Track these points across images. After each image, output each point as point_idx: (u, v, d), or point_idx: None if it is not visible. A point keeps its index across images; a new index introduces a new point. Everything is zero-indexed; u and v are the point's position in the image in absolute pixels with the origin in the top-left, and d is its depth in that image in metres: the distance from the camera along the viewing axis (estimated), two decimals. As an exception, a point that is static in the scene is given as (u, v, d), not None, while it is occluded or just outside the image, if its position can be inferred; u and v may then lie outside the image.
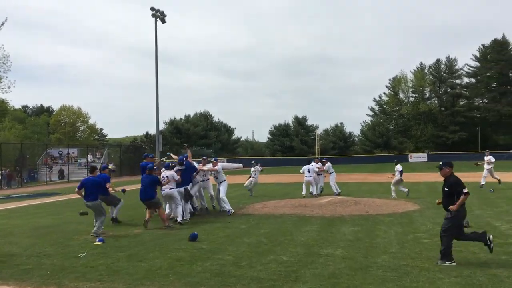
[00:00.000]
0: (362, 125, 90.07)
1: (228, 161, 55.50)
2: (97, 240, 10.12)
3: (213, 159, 15.95)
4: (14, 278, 7.22)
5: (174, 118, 75.69)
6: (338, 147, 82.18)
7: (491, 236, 7.70)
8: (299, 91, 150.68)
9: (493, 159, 21.22)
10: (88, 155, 53.67)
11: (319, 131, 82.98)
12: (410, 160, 72.93)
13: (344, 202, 15.49)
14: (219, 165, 15.14)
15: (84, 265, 7.89)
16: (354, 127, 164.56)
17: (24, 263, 8.21)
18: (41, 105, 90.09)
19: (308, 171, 19.44)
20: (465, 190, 7.50)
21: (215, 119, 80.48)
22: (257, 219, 13.06)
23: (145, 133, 73.92)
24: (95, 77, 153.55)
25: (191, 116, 78.42)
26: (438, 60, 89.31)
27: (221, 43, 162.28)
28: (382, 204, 15.64)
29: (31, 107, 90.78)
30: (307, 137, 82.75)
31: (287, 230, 11.03)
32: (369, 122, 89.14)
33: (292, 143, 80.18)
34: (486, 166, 20.81)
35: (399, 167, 19.40)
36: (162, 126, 72.06)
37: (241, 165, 31.46)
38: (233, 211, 14.32)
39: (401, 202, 16.16)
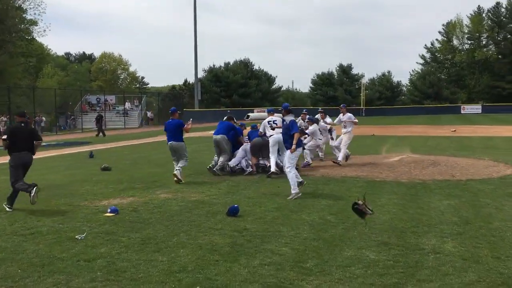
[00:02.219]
0: (411, 74, 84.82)
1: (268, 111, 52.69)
2: (109, 210, 7.70)
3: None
4: (-34, 279, 4.84)
5: (214, 66, 72.70)
6: (384, 97, 77.71)
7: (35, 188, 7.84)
8: (342, 39, 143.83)
9: (328, 120, 14.11)
10: (126, 103, 52.02)
11: (364, 80, 78.43)
12: (462, 111, 68.01)
13: (419, 162, 12.53)
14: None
15: (76, 256, 5.43)
16: (402, 77, 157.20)
17: (-3, 248, 5.84)
18: (83, 53, 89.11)
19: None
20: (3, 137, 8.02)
21: (256, 67, 76.94)
22: (313, 183, 10.29)
23: (183, 80, 71.57)
24: (136, 25, 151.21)
25: (231, 63, 75.12)
26: (497, 4, 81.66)
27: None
28: (466, 165, 12.58)
29: (73, 54, 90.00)
30: (351, 86, 78.48)
31: (359, 202, 8.27)
32: (419, 71, 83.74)
33: (336, 93, 76.23)
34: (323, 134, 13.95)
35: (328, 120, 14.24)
36: (201, 74, 69.40)
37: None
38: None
39: (489, 163, 13.01)
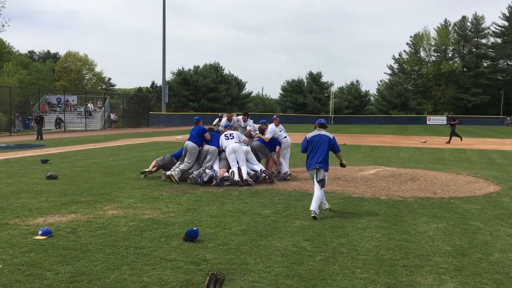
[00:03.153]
0: (379, 84, 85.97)
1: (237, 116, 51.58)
2: (40, 232, 6.40)
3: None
4: None
5: (183, 69, 71.15)
6: (352, 106, 78.17)
7: None
8: (312, 48, 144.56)
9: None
10: (89, 103, 49.84)
11: (333, 89, 78.69)
12: (428, 122, 69.11)
13: (396, 177, 11.68)
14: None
15: (-20, 302, 4.19)
16: (370, 86, 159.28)
17: None
18: (48, 51, 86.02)
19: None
20: None
21: (226, 71, 75.86)
22: (284, 199, 9.24)
23: (151, 83, 69.75)
24: (105, 25, 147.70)
25: (201, 67, 73.75)
26: (464, 18, 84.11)
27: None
28: (446, 180, 11.80)
29: (37, 53, 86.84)
30: (321, 94, 78.67)
31: (336, 224, 7.24)
32: (387, 81, 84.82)
33: (305, 100, 76.18)
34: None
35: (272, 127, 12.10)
36: (169, 77, 67.83)
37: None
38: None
39: (469, 179, 12.28)
